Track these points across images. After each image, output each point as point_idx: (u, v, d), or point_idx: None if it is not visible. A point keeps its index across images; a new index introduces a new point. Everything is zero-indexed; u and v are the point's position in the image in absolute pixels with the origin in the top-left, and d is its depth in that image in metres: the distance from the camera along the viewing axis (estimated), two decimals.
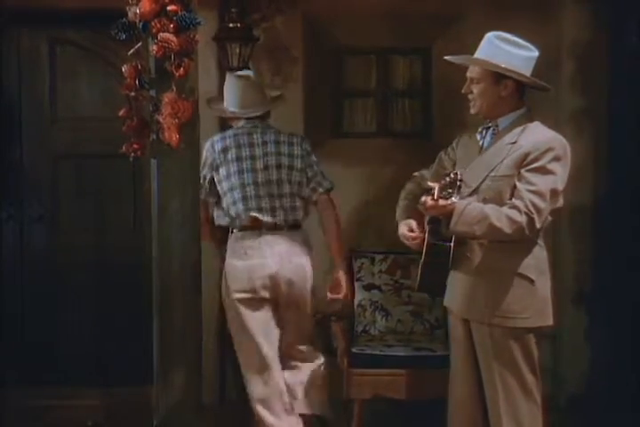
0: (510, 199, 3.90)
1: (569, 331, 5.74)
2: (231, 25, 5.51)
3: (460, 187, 3.78)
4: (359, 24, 5.74)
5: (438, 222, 3.96)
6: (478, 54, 4.01)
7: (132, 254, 5.89)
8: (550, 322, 4.03)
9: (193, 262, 4.73)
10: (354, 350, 5.19)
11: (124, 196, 5.96)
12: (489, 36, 4.00)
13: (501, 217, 3.83)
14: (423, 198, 3.85)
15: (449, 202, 3.82)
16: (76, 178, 5.97)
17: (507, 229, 3.83)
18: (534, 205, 3.84)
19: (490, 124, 4.07)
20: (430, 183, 3.90)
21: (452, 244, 3.98)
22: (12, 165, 5.90)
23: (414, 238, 4.12)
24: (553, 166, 3.89)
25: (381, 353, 5.16)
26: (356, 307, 5.61)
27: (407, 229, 4.17)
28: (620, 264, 5.48)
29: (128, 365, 5.68)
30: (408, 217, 4.26)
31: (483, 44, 4.01)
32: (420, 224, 4.16)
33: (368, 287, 5.61)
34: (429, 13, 5.71)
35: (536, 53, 4.01)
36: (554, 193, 3.89)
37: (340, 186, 5.75)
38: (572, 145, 5.63)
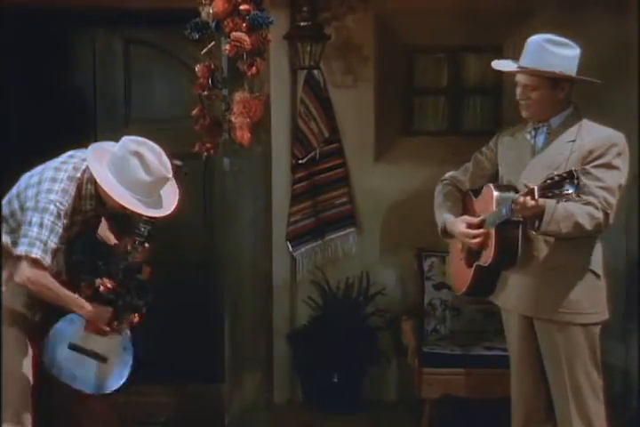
0: (578, 196, 3.88)
1: None
2: (302, 24, 5.55)
3: (579, 184, 3.64)
4: (430, 22, 5.73)
5: (508, 225, 3.93)
6: (528, 60, 3.99)
7: (202, 254, 5.92)
8: (607, 316, 4.06)
9: (264, 262, 4.74)
10: (424, 349, 5.19)
11: (195, 195, 6.00)
12: (537, 40, 3.98)
13: (584, 214, 3.84)
14: (521, 199, 3.73)
15: (560, 201, 3.72)
16: None
17: (588, 226, 3.84)
18: (607, 201, 3.87)
19: (539, 125, 4.07)
20: (530, 184, 3.80)
21: (519, 246, 3.96)
22: None
23: (478, 235, 4.07)
24: (617, 162, 3.92)
25: (452, 352, 5.16)
26: (426, 306, 5.60)
27: (466, 225, 4.13)
28: None
29: (200, 363, 5.71)
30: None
31: (530, 48, 3.99)
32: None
33: (438, 287, 5.60)
34: (501, 11, 5.68)
35: (579, 50, 3.99)
36: (620, 188, 3.92)
37: (410, 184, 5.77)
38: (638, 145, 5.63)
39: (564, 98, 4.01)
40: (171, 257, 5.97)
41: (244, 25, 4.31)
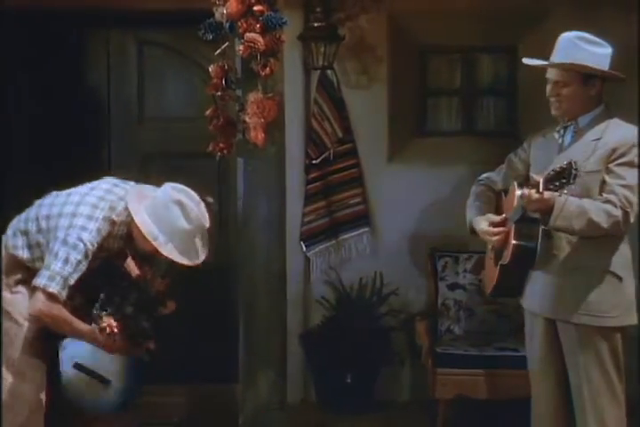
0: (600, 194, 3.88)
1: None
2: (316, 24, 5.56)
3: (575, 176, 3.63)
4: (444, 22, 5.73)
5: (526, 222, 3.92)
6: (560, 55, 3.98)
7: (217, 254, 5.91)
8: (635, 321, 4.01)
9: (278, 263, 4.74)
10: (438, 349, 5.18)
11: (208, 195, 6.00)
12: (569, 36, 3.99)
13: (599, 212, 3.81)
14: (526, 192, 3.74)
15: (562, 193, 3.72)
16: (163, 177, 6.02)
17: (604, 223, 3.81)
18: (627, 199, 3.84)
19: (569, 123, 4.05)
20: (535, 176, 3.81)
21: (538, 244, 3.95)
22: (101, 165, 5.99)
23: (497, 233, 4.07)
24: None
25: (466, 353, 5.15)
26: (439, 306, 5.60)
27: (488, 223, 4.13)
28: None
29: (214, 363, 5.72)
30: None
31: (562, 45, 3.99)
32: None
33: (452, 287, 5.60)
34: (515, 11, 5.67)
35: (611, 49, 3.98)
36: None
37: (423, 185, 5.77)
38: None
39: (595, 95, 3.99)
40: None
41: (258, 26, 4.31)
